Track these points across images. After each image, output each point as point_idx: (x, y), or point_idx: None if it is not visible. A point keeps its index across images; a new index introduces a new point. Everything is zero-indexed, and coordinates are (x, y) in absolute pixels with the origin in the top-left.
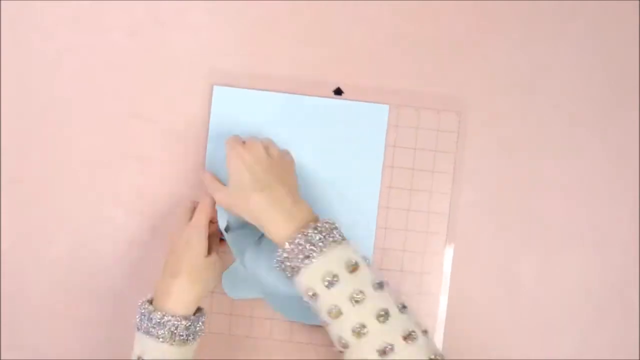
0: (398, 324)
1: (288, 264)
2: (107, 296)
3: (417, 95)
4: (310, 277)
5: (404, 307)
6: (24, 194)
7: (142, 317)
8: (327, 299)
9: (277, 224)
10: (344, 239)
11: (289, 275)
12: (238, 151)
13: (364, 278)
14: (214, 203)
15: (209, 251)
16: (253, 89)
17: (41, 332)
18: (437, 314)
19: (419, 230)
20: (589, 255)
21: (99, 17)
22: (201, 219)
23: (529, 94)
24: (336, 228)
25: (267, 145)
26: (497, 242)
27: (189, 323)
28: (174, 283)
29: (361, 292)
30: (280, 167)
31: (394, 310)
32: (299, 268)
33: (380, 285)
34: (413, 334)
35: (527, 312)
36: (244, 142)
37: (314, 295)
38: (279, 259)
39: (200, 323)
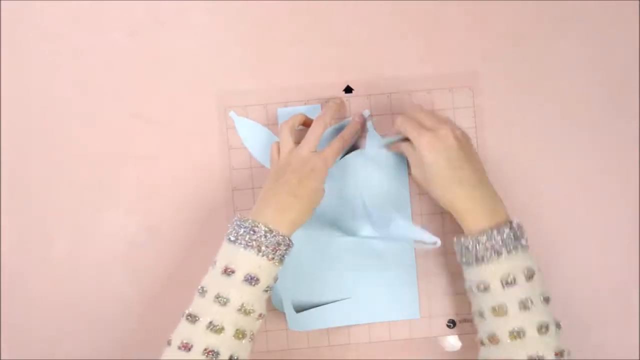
0: (553, 340)
1: (474, 252)
2: (107, 296)
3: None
4: (491, 272)
5: (559, 326)
6: (24, 194)
7: (245, 230)
8: (499, 296)
9: (477, 217)
10: (528, 245)
11: (464, 261)
12: (429, 140)
13: (536, 289)
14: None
15: None
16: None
17: (41, 332)
18: None
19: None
20: (589, 255)
21: (99, 17)
22: (329, 150)
23: (528, 94)
24: (525, 232)
25: (453, 128)
26: None
27: (290, 246)
28: (291, 202)
29: (531, 300)
30: (470, 151)
31: (552, 327)
32: (483, 260)
33: (547, 300)
34: (564, 352)
35: None
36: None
37: (486, 289)
38: (465, 244)
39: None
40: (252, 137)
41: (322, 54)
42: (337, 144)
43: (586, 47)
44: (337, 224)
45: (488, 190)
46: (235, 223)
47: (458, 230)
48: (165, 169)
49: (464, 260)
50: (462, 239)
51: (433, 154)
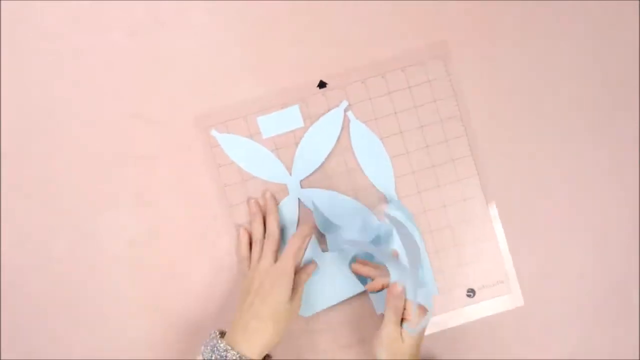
0: None
1: None
2: (107, 296)
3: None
4: None
5: None
6: (24, 194)
7: (213, 350)
8: None
9: None
10: None
11: None
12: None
13: None
14: (300, 247)
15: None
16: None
17: (41, 332)
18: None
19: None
20: (589, 255)
21: (99, 17)
22: (289, 265)
23: (528, 94)
24: None
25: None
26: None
27: None
28: (257, 327)
29: None
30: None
31: None
32: None
33: None
34: None
35: (527, 312)
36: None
37: None
38: None
39: None
40: (239, 151)
41: (324, 54)
42: (292, 246)
43: (586, 47)
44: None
45: None
46: (209, 345)
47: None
48: (165, 169)
49: None
50: None
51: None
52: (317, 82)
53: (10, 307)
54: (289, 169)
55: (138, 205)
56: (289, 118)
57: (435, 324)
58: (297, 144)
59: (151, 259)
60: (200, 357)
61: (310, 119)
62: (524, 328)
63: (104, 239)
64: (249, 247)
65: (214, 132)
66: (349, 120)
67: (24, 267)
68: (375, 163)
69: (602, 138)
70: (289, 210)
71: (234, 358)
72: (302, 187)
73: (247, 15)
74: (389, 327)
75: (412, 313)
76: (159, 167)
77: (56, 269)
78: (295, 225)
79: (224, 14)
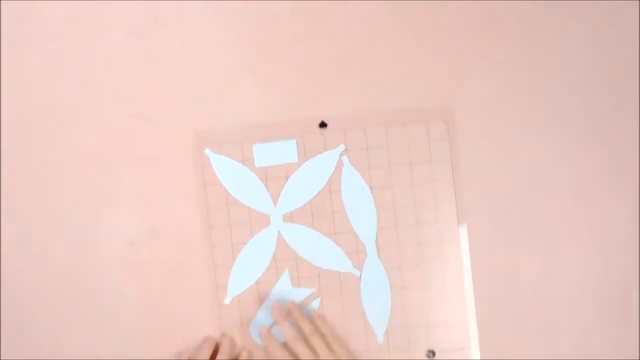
0: None
1: None
2: (107, 296)
3: (406, 111)
4: None
5: None
6: (24, 194)
7: None
8: None
9: None
10: None
11: None
12: None
13: None
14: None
15: None
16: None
17: (41, 332)
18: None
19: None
20: (589, 255)
21: (99, 17)
22: None
23: (528, 94)
24: None
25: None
26: (497, 242)
27: None
28: None
29: None
30: None
31: None
32: None
33: None
34: None
35: (527, 312)
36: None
37: None
38: None
39: None
40: (229, 174)
41: (324, 57)
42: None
43: (586, 47)
44: None
45: None
46: None
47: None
48: (165, 168)
49: None
50: None
51: None
52: (319, 122)
53: (10, 307)
54: (275, 200)
55: (138, 205)
56: (285, 151)
57: None
58: (287, 177)
59: (151, 259)
60: None
61: (305, 155)
62: (524, 328)
63: (104, 239)
64: None
65: (207, 151)
66: (342, 164)
67: (24, 267)
68: (361, 211)
69: (602, 138)
70: (268, 241)
71: None
72: (284, 220)
73: (247, 15)
74: None
75: None
76: (159, 167)
77: (56, 269)
78: (271, 256)
79: (224, 14)
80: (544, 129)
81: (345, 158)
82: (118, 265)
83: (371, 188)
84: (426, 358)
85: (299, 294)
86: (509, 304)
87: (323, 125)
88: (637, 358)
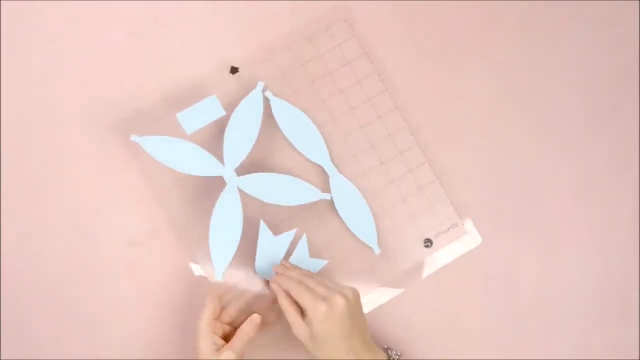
0: None
1: None
2: (107, 296)
3: None
4: None
5: None
6: (24, 194)
7: None
8: None
9: None
10: None
11: None
12: (325, 312)
13: None
14: (216, 301)
15: (233, 346)
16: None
17: (41, 332)
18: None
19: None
20: (589, 255)
21: (99, 17)
22: (202, 317)
23: (528, 94)
24: None
25: (344, 293)
26: (496, 242)
27: None
28: None
29: None
30: (359, 312)
31: None
32: None
33: None
34: None
35: (527, 312)
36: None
37: None
38: None
39: None
40: (165, 152)
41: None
42: (238, 343)
43: (586, 47)
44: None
45: (371, 350)
46: None
47: None
48: (165, 168)
49: None
50: None
51: (328, 325)
52: (229, 69)
53: (10, 307)
54: (221, 159)
55: (138, 205)
56: (209, 109)
57: (398, 281)
58: (222, 132)
59: (151, 259)
60: None
61: (230, 106)
62: (524, 328)
63: (104, 239)
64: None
65: (133, 137)
66: (268, 100)
67: (24, 267)
68: (305, 136)
69: (602, 138)
70: (231, 201)
71: None
72: (238, 175)
73: (247, 15)
74: (294, 327)
75: (305, 304)
76: (158, 166)
77: (56, 269)
78: (240, 215)
79: (224, 14)
80: (544, 129)
81: (269, 93)
82: (118, 265)
83: (304, 110)
84: (426, 247)
85: (313, 265)
86: (509, 304)
87: (234, 70)
88: (637, 358)
